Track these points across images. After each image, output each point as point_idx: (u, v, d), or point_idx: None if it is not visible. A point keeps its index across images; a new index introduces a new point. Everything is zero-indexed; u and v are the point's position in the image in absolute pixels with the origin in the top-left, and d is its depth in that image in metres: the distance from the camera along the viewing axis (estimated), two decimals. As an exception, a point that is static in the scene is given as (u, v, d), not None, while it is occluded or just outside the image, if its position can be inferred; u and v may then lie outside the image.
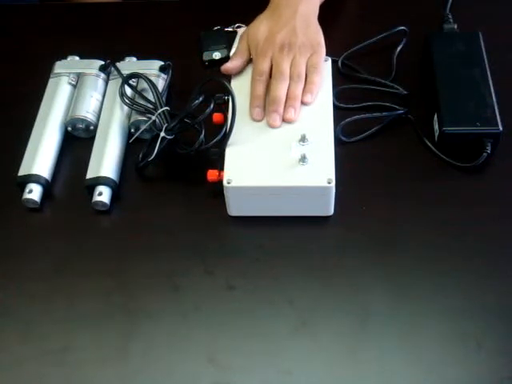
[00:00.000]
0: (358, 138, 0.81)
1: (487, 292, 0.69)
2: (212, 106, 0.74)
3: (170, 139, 0.75)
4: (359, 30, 0.92)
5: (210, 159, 0.74)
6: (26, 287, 0.71)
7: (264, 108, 0.77)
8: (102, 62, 0.86)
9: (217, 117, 0.76)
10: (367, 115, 0.81)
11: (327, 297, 0.69)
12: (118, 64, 0.85)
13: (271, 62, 0.79)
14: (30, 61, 0.92)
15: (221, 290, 0.70)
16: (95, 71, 0.85)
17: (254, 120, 0.76)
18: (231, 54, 0.89)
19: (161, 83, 0.83)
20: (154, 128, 0.77)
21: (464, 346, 0.66)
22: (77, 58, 0.88)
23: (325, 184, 0.71)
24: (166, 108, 0.77)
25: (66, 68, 0.86)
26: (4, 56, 0.93)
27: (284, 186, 0.72)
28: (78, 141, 0.82)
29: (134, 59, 0.87)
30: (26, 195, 0.75)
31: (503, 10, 0.95)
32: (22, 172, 0.77)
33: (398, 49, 0.89)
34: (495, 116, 0.77)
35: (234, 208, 0.74)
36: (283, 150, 0.73)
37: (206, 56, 0.90)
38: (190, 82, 0.78)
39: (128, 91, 0.80)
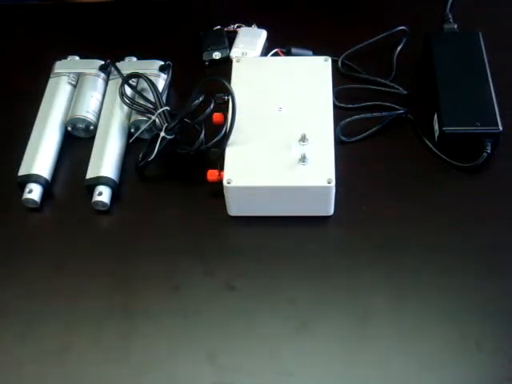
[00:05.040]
0: (358, 137, 0.81)
1: (487, 292, 0.69)
2: (212, 105, 0.74)
3: (169, 139, 0.75)
4: (359, 30, 0.92)
5: (210, 159, 0.74)
6: (26, 287, 0.71)
7: None
8: (102, 62, 0.86)
9: (217, 117, 0.76)
10: (367, 115, 0.81)
11: (327, 297, 0.69)
12: (117, 64, 0.85)
13: None
14: (30, 61, 0.92)
15: (221, 290, 0.70)
16: (95, 71, 0.85)
17: None
18: (231, 53, 0.89)
19: (161, 83, 0.83)
20: (154, 128, 0.77)
21: (464, 347, 0.66)
22: (77, 57, 0.88)
23: (325, 184, 0.71)
24: (166, 108, 0.77)
25: (66, 68, 0.86)
26: (4, 56, 0.93)
27: (284, 186, 0.72)
28: (78, 141, 0.82)
29: (134, 59, 0.87)
30: (26, 195, 0.75)
31: (503, 10, 0.94)
32: (22, 172, 0.77)
33: (398, 49, 0.89)
34: (495, 116, 0.77)
35: (234, 208, 0.74)
36: (283, 149, 0.73)
37: (205, 56, 0.90)
38: (190, 82, 0.78)
39: (128, 91, 0.80)
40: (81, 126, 0.81)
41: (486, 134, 0.76)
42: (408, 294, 0.69)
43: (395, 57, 0.88)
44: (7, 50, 0.94)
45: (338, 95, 0.82)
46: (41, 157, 0.78)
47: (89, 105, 0.82)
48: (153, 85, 0.79)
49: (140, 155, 0.77)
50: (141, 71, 0.82)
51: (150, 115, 0.78)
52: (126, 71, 0.83)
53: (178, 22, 0.96)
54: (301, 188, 0.71)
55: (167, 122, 0.76)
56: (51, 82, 0.85)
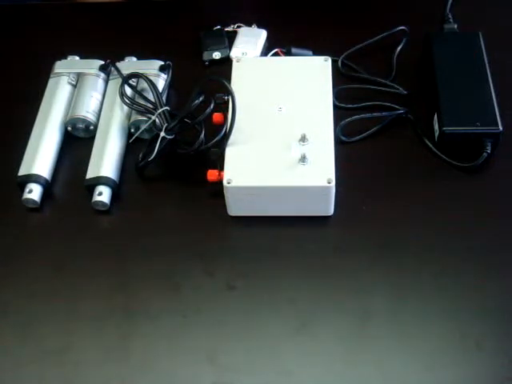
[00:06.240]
0: (358, 137, 0.81)
1: (487, 292, 0.69)
2: (212, 105, 0.74)
3: (169, 139, 0.75)
4: (359, 30, 0.92)
5: (210, 159, 0.74)
6: (26, 287, 0.71)
7: None
8: (102, 62, 0.86)
9: (217, 117, 0.76)
10: (367, 115, 0.81)
11: (327, 297, 0.69)
12: (117, 64, 0.85)
13: None
14: (30, 61, 0.92)
15: (221, 290, 0.70)
16: (95, 71, 0.85)
17: None
18: (231, 53, 0.89)
19: (161, 83, 0.83)
20: (154, 128, 0.77)
21: (464, 347, 0.66)
22: (77, 57, 0.88)
23: (325, 184, 0.71)
24: (166, 108, 0.77)
25: (66, 68, 0.86)
26: (4, 56, 0.93)
27: (284, 186, 0.72)
28: (78, 141, 0.82)
29: (134, 59, 0.87)
30: (26, 195, 0.75)
31: (503, 10, 0.94)
32: (21, 172, 0.77)
33: (398, 49, 0.89)
34: (495, 116, 0.77)
35: (234, 208, 0.74)
36: (283, 149, 0.73)
37: (206, 56, 0.90)
38: (190, 81, 0.78)
39: (128, 91, 0.80)
40: (81, 125, 0.81)
41: (486, 133, 0.76)
42: (408, 294, 0.69)
43: (395, 57, 0.88)
44: (7, 49, 0.94)
45: (337, 95, 0.82)
46: (41, 157, 0.78)
47: (89, 105, 0.82)
48: (153, 85, 0.79)
49: (140, 155, 0.77)
50: (141, 71, 0.82)
51: (150, 115, 0.78)
52: (125, 71, 0.83)
53: (178, 22, 0.96)
54: (301, 188, 0.71)
55: (167, 122, 0.76)
56: (51, 82, 0.85)
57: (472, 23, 0.89)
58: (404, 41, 0.89)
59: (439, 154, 0.79)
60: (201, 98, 0.74)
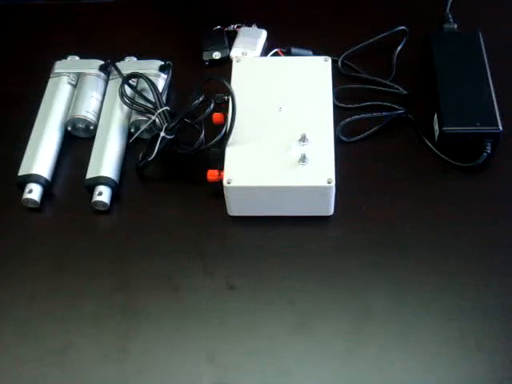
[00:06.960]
0: (358, 137, 0.81)
1: (487, 292, 0.69)
2: (212, 106, 0.74)
3: (170, 139, 0.75)
4: (359, 30, 0.92)
5: (210, 159, 0.74)
6: (26, 287, 0.71)
7: None
8: (102, 62, 0.86)
9: (217, 117, 0.76)
10: (367, 115, 0.81)
11: (327, 297, 0.69)
12: (117, 64, 0.85)
13: None
14: (30, 61, 0.92)
15: (221, 290, 0.70)
16: (95, 71, 0.85)
17: None
18: (231, 53, 0.89)
19: (161, 83, 0.83)
20: (154, 128, 0.77)
21: (463, 346, 0.66)
22: (77, 57, 0.88)
23: (325, 184, 0.71)
24: (166, 108, 0.77)
25: (66, 68, 0.86)
26: (4, 56, 0.93)
27: (284, 186, 0.72)
28: (78, 141, 0.82)
29: (134, 59, 0.87)
30: (26, 195, 0.75)
31: (503, 10, 0.95)
32: (21, 172, 0.77)
33: (398, 49, 0.89)
34: (495, 116, 0.77)
35: (234, 208, 0.74)
36: (283, 149, 0.73)
37: (206, 56, 0.90)
38: (190, 82, 0.78)
39: (128, 91, 0.80)
40: (81, 125, 0.81)
41: (486, 133, 0.76)
42: (408, 294, 0.69)
43: (395, 57, 0.88)
44: (7, 50, 0.94)
45: (337, 95, 0.82)
46: (41, 157, 0.78)
47: (89, 105, 0.82)
48: (153, 85, 0.79)
49: (140, 155, 0.77)
50: (141, 71, 0.82)
51: (150, 115, 0.78)
52: (125, 71, 0.83)
53: (178, 21, 0.96)
54: (301, 188, 0.71)
55: (167, 122, 0.76)
56: (51, 81, 0.85)
57: (472, 23, 0.88)
58: (404, 41, 0.89)
59: (439, 153, 0.79)
60: (201, 98, 0.74)
